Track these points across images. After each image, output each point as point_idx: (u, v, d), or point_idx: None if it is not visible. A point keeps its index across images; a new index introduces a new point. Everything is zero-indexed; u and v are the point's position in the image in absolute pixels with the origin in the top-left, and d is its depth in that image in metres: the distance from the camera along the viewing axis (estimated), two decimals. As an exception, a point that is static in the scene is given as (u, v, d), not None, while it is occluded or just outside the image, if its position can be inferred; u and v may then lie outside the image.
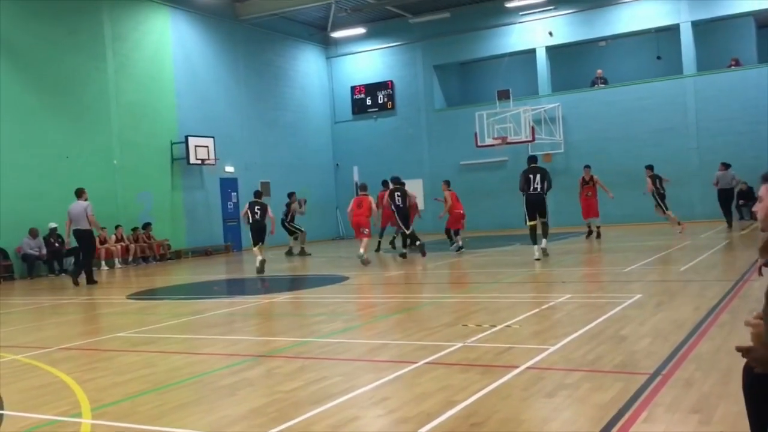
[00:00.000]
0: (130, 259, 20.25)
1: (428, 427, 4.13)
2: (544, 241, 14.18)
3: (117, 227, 20.25)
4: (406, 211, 16.64)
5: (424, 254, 16.11)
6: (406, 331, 7.46)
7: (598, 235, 19.02)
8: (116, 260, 19.91)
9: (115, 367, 6.45)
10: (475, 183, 26.65)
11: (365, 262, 15.20)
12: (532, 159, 14.76)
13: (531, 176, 13.96)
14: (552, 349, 6.00)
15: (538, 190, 13.94)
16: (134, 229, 20.83)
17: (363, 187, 16.54)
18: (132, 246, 20.33)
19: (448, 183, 18.33)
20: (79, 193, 15.11)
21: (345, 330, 7.86)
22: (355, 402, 4.79)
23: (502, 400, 4.61)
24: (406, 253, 16.84)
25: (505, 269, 13.44)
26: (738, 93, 23.07)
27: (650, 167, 19.44)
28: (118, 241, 20.21)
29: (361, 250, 15.46)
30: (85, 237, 14.89)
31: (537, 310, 8.11)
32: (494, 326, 7.21)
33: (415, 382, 5.22)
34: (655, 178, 19.15)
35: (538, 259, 13.79)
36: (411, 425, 4.18)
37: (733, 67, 24.00)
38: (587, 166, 19.73)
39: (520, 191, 14.28)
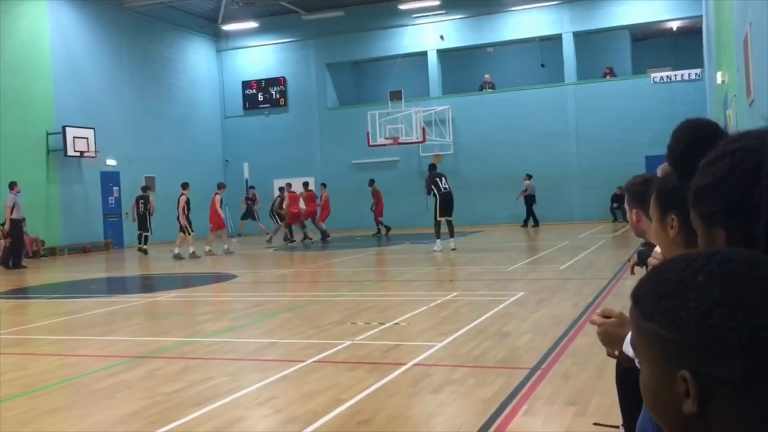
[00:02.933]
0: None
1: (315, 425, 4.09)
2: (452, 241, 15.57)
3: (-15, 222, 18.87)
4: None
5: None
6: (294, 329, 7.37)
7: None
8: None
9: (-21, 372, 5.98)
10: (366, 182, 26.76)
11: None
12: (433, 166, 16.63)
13: (438, 179, 15.46)
14: (439, 345, 6.10)
15: (449, 189, 15.44)
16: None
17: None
18: (1, 242, 18.97)
19: (288, 185, 21.45)
20: (11, 186, 16.98)
21: (231, 329, 7.67)
22: (240, 402, 4.68)
23: (389, 397, 4.63)
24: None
25: (395, 267, 13.60)
26: (614, 102, 24.43)
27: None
28: (-14, 236, 18.82)
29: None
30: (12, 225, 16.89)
31: (425, 307, 8.23)
32: (383, 324, 7.25)
33: (302, 380, 5.16)
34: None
35: (440, 251, 15.20)
36: (297, 424, 4.13)
37: (607, 75, 25.41)
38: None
39: (429, 193, 15.74)
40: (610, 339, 2.03)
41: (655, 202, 1.96)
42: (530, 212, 23.65)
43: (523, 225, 23.56)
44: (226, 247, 18.14)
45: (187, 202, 17.72)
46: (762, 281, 0.81)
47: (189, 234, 17.54)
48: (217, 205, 18.15)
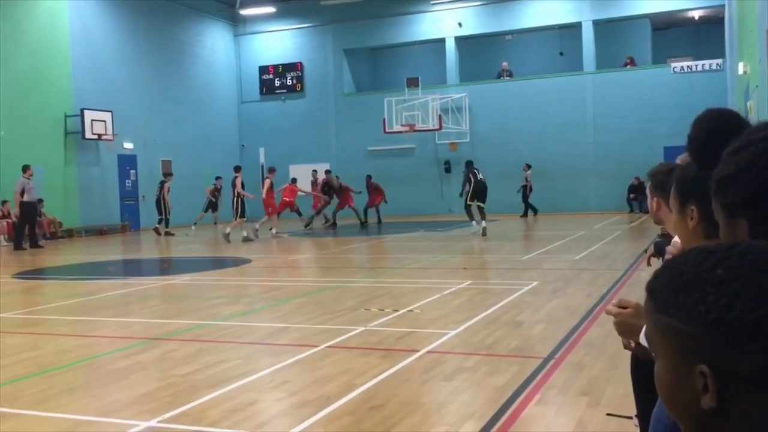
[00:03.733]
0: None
1: (327, 410, 4.11)
2: (483, 222, 16.54)
3: (3, 203, 19.06)
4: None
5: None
6: (309, 314, 7.40)
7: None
8: (1, 237, 18.76)
9: (-4, 350, 6.07)
10: (382, 169, 26.74)
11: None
12: (470, 162, 17.75)
13: (476, 170, 17.01)
14: (452, 333, 6.10)
15: (483, 179, 16.87)
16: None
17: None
18: (3, 223, 19.15)
19: (294, 180, 21.09)
20: (24, 169, 17.31)
21: (246, 313, 7.71)
22: (254, 386, 4.71)
23: (402, 383, 4.64)
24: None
25: (410, 255, 13.60)
26: (633, 91, 24.18)
27: None
28: (3, 217, 19.03)
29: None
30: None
31: (439, 295, 8.23)
32: (396, 311, 7.26)
33: (315, 365, 5.19)
34: None
35: (479, 229, 16.25)
36: (310, 408, 4.15)
37: (628, 65, 25.14)
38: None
39: (467, 183, 16.90)
40: (627, 329, 2.01)
41: (674, 192, 1.94)
42: (527, 201, 23.80)
43: (534, 214, 23.63)
44: (256, 228, 18.10)
45: (242, 185, 17.71)
46: None
47: (236, 218, 17.43)
48: (265, 189, 18.32)
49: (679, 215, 1.91)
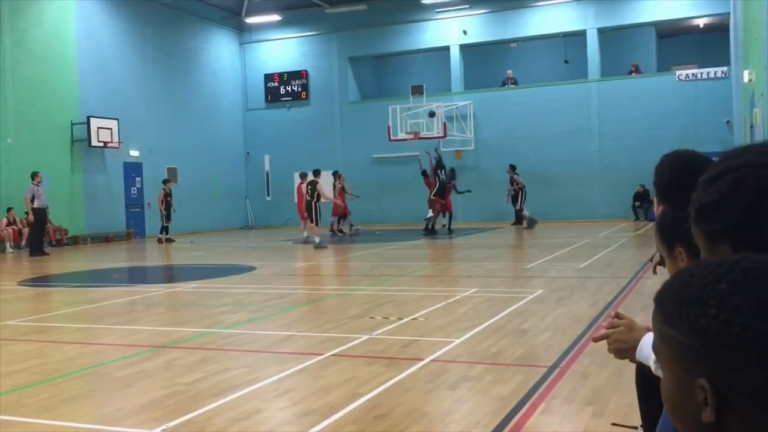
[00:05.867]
0: (23, 243, 19.17)
1: (332, 419, 4.10)
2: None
3: (9, 210, 19.14)
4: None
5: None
6: (313, 322, 7.40)
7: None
8: (8, 244, 18.82)
9: (2, 357, 6.08)
10: (386, 176, 26.79)
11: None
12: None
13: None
14: (456, 341, 6.09)
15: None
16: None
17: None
18: (25, 230, 19.25)
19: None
20: (32, 176, 17.62)
21: (250, 321, 7.71)
22: (258, 394, 4.70)
23: (406, 392, 4.64)
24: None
25: (414, 262, 13.59)
26: (638, 99, 24.17)
27: None
28: (9, 224, 19.10)
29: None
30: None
31: (443, 303, 8.21)
32: (401, 319, 7.25)
33: (319, 374, 5.18)
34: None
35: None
36: (314, 417, 4.14)
37: (633, 73, 25.15)
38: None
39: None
40: (621, 348, 1.98)
41: (659, 240, 2.00)
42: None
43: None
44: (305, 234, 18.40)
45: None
46: None
47: (316, 224, 17.33)
48: (329, 192, 18.57)
49: (670, 260, 1.96)
